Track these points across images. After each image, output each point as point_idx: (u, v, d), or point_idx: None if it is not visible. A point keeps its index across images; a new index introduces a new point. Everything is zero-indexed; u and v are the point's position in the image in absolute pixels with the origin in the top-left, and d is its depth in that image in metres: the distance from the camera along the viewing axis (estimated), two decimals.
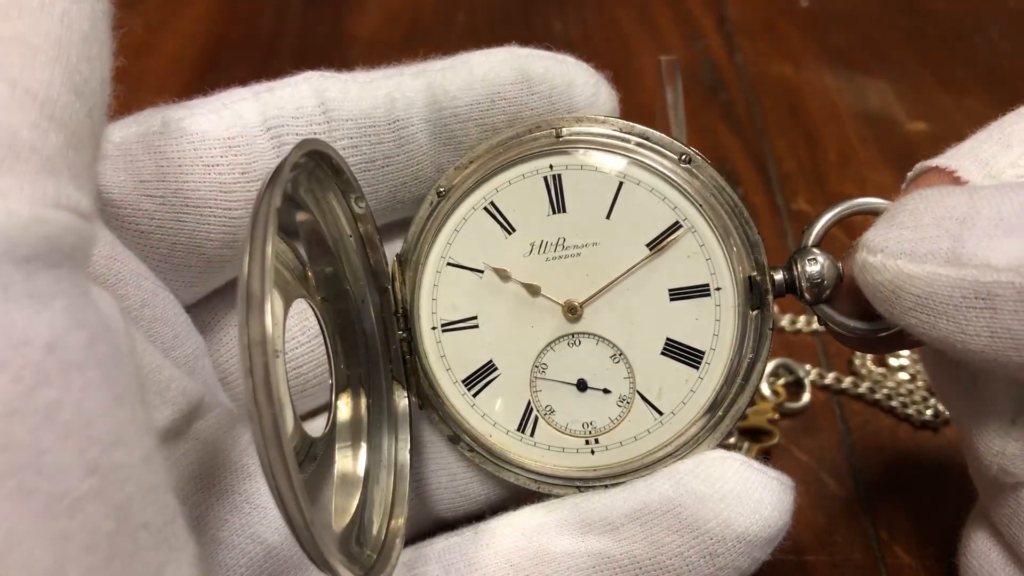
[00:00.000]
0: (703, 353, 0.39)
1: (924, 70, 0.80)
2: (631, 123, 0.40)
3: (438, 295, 0.40)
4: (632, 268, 0.39)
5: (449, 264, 0.40)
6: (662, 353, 0.39)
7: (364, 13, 0.90)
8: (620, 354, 0.40)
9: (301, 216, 0.38)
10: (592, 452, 0.40)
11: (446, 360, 0.41)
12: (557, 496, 0.40)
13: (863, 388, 0.57)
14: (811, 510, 0.51)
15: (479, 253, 0.40)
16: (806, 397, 0.57)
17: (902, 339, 0.35)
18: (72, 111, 0.26)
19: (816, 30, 0.86)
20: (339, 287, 0.41)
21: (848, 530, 0.50)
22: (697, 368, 0.39)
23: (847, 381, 0.57)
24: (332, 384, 0.40)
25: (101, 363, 0.24)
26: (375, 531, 0.38)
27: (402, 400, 0.42)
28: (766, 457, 0.53)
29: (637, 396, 0.40)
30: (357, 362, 0.41)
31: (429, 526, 0.44)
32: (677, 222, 0.39)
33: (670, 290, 0.39)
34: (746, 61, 0.83)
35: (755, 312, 0.38)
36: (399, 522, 0.39)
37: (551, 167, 0.39)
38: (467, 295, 0.40)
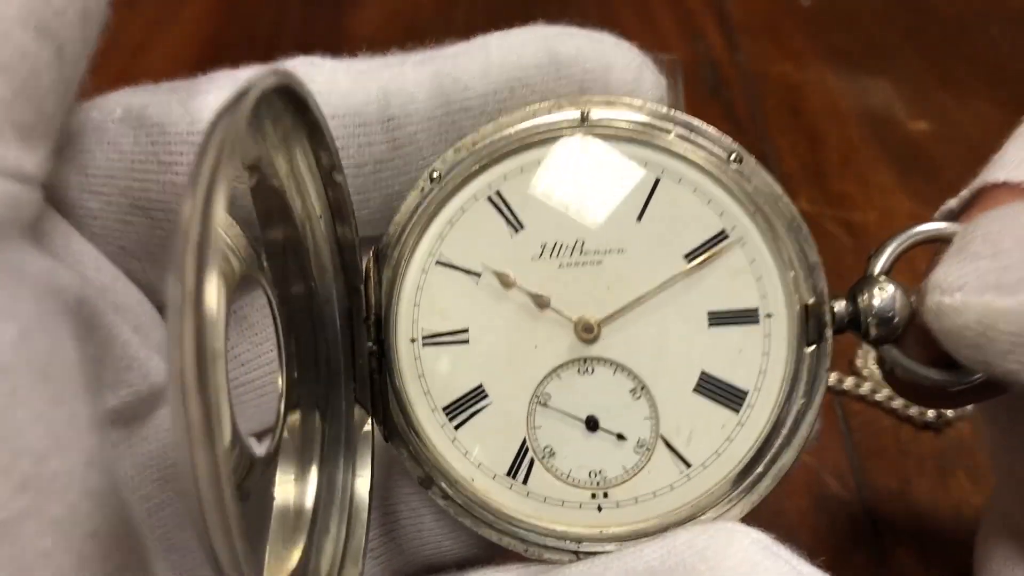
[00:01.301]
0: (746, 394, 0.32)
1: (926, 69, 0.80)
2: (671, 110, 0.33)
3: (422, 300, 0.33)
4: (665, 283, 0.32)
5: (439, 263, 0.33)
6: (695, 390, 0.33)
7: (363, 11, 0.90)
8: (642, 388, 0.33)
9: (258, 181, 0.31)
10: (599, 509, 0.33)
11: (424, 381, 0.33)
12: (548, 562, 0.33)
13: (865, 389, 0.57)
14: (812, 511, 0.51)
15: (477, 252, 0.33)
16: None
17: (985, 390, 0.31)
18: (28, 52, 0.22)
19: (818, 29, 0.85)
20: (300, 280, 0.34)
21: (850, 531, 0.50)
22: (737, 412, 0.32)
23: (849, 382, 0.57)
24: (281, 395, 0.33)
25: (33, 359, 0.21)
26: None
27: (364, 427, 0.34)
28: None
29: (660, 442, 0.33)
30: (314, 375, 0.34)
31: (414, 570, 0.39)
32: (723, 231, 0.32)
33: (710, 313, 0.32)
34: (747, 60, 0.82)
35: (811, 348, 0.32)
36: None
37: None
38: (458, 302, 0.33)
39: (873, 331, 0.32)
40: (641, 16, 0.88)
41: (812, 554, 0.49)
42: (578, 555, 0.33)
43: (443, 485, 0.34)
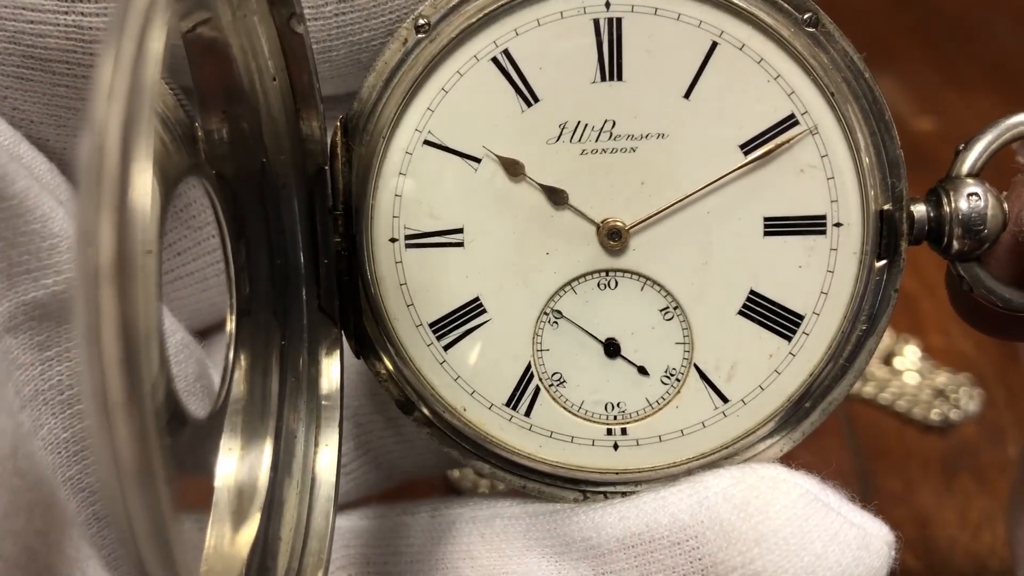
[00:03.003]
0: (801, 318, 0.27)
1: (930, 67, 0.80)
2: None
3: (405, 190, 0.27)
4: (715, 182, 0.26)
5: (428, 143, 0.27)
6: (740, 312, 0.27)
7: None
8: (676, 307, 0.27)
9: (194, 32, 0.24)
10: (615, 447, 0.28)
11: (407, 291, 0.28)
12: (549, 499, 0.29)
13: (869, 390, 0.56)
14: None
15: (477, 131, 0.27)
16: None
17: None
18: None
19: None
20: (250, 161, 0.27)
21: None
22: (789, 339, 0.27)
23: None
24: (231, 323, 0.27)
25: None
26: None
27: (329, 364, 0.28)
28: None
29: (694, 371, 0.28)
30: (268, 282, 0.28)
31: (392, 484, 0.36)
32: (792, 116, 0.26)
33: (766, 220, 0.27)
34: None
35: (882, 263, 0.27)
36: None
37: (607, 5, 0.26)
38: (451, 195, 0.27)
39: (956, 244, 0.26)
40: None
41: None
42: (584, 494, 0.29)
43: (426, 411, 0.29)
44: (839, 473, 0.52)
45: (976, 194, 0.26)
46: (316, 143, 0.27)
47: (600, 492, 0.29)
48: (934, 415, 0.54)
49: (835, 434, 0.54)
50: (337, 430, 0.28)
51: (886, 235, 0.27)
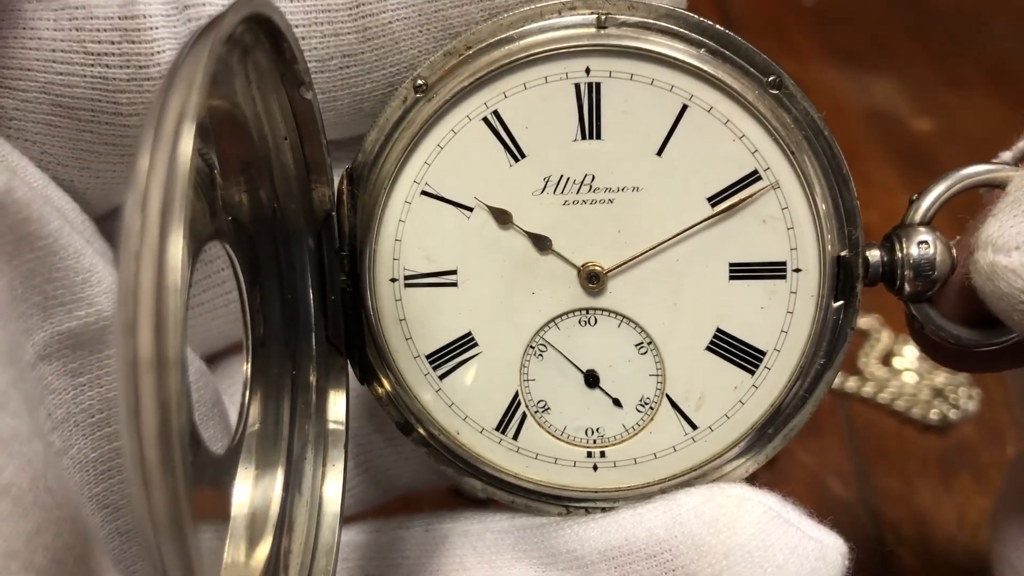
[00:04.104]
0: (764, 354, 0.29)
1: (930, 68, 0.80)
2: (705, 20, 0.29)
3: (404, 235, 0.30)
4: (685, 231, 0.29)
5: (425, 193, 0.29)
6: (708, 348, 0.30)
7: None
8: (649, 343, 0.30)
9: (216, 104, 0.26)
10: (595, 468, 0.31)
11: (407, 325, 0.30)
12: (535, 512, 0.31)
13: (868, 390, 0.56)
14: (815, 512, 0.50)
15: (470, 183, 0.29)
16: None
17: (1020, 355, 0.28)
18: None
19: (820, 28, 0.85)
20: (262, 208, 0.29)
21: (852, 533, 0.49)
22: (752, 373, 0.29)
23: (852, 383, 0.57)
24: (247, 363, 0.29)
25: None
26: None
27: (336, 391, 0.31)
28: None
29: (665, 401, 0.30)
30: (280, 317, 0.30)
31: (391, 499, 0.37)
32: (756, 171, 0.28)
33: (732, 265, 0.29)
34: None
35: (838, 304, 0.29)
36: None
37: (588, 71, 0.28)
38: (446, 240, 0.30)
39: (908, 287, 0.28)
40: None
41: None
42: (568, 508, 0.31)
43: (423, 432, 0.31)
44: (839, 472, 0.53)
45: (926, 241, 0.28)
46: (324, 193, 0.30)
47: (582, 507, 0.31)
48: (933, 415, 0.55)
49: (835, 434, 0.55)
50: (343, 452, 0.31)
51: (842, 278, 0.29)
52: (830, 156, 0.29)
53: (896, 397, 0.56)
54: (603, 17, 0.28)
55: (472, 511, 0.33)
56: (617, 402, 0.31)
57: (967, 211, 0.28)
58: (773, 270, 0.29)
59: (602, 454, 0.31)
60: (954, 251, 0.29)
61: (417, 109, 0.29)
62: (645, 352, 0.30)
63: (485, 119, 0.29)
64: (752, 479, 0.52)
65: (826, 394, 0.30)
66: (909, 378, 0.57)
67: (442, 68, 0.29)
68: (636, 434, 0.31)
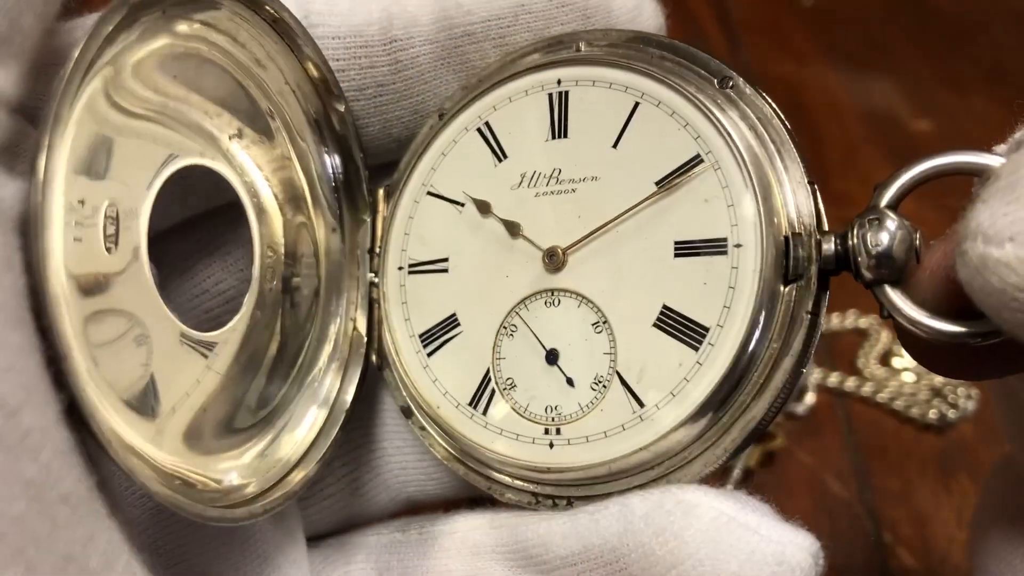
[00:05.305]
0: (707, 330, 0.29)
1: (928, 68, 0.80)
2: (666, 38, 0.32)
3: (411, 229, 0.34)
4: (632, 210, 0.31)
5: (429, 194, 0.34)
6: (655, 325, 0.30)
7: None
8: (605, 322, 0.31)
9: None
10: (551, 446, 0.31)
11: (406, 308, 0.34)
12: (509, 503, 0.33)
13: (867, 389, 0.56)
14: (814, 512, 0.50)
15: (463, 182, 0.33)
16: (809, 398, 0.56)
17: (1012, 356, 0.26)
18: None
19: (819, 28, 0.85)
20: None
21: (851, 532, 0.49)
22: (696, 349, 0.29)
23: (851, 382, 0.57)
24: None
25: (1, 306, 0.20)
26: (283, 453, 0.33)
27: (360, 350, 0.35)
28: (770, 458, 0.53)
29: (616, 379, 0.30)
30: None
31: (398, 507, 0.39)
32: (698, 155, 0.30)
33: (676, 243, 0.30)
34: (749, 59, 0.82)
35: (789, 287, 0.29)
36: (309, 467, 0.32)
37: (559, 82, 0.32)
38: (441, 231, 0.34)
39: (867, 273, 0.28)
40: None
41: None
42: (536, 498, 0.32)
43: (419, 415, 0.34)
44: (838, 472, 0.53)
45: (884, 225, 0.28)
46: (363, 208, 0.36)
47: (546, 495, 0.32)
48: (932, 414, 0.55)
49: (833, 433, 0.55)
50: (357, 379, 0.35)
51: (793, 259, 0.29)
52: (780, 141, 0.30)
53: (895, 397, 0.56)
54: (579, 44, 0.33)
55: (462, 512, 0.34)
56: (570, 381, 0.31)
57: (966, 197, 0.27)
58: (715, 246, 0.29)
59: (558, 431, 0.31)
60: (918, 235, 0.28)
61: (436, 130, 0.34)
62: (600, 331, 0.31)
63: (479, 129, 0.33)
64: (746, 479, 0.52)
65: (795, 388, 0.29)
66: (908, 378, 0.57)
67: (460, 100, 0.34)
68: (590, 412, 0.31)
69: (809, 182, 0.30)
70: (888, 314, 0.28)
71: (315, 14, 0.33)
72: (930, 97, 0.77)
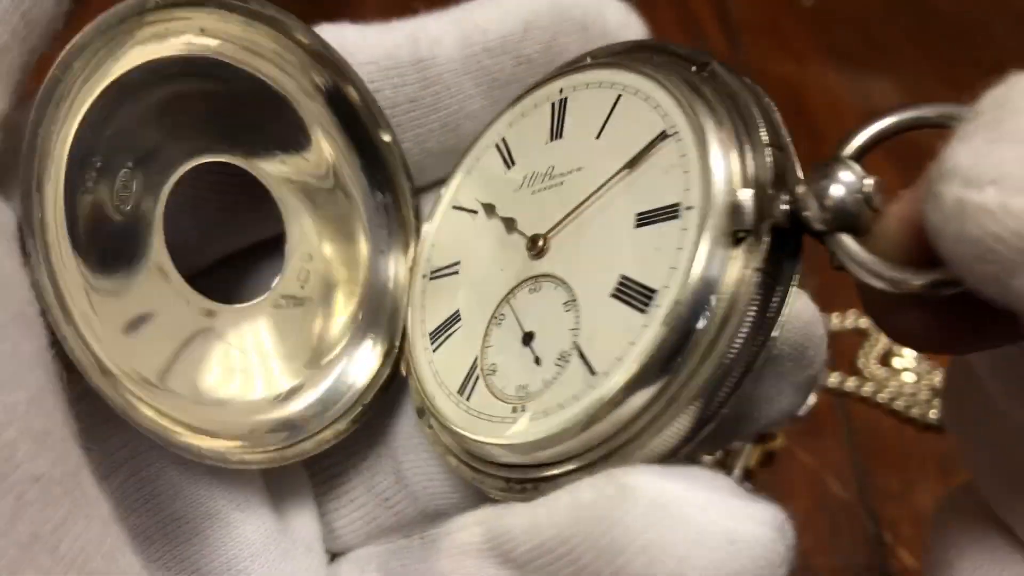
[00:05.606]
0: (654, 292, 0.28)
1: (929, 69, 0.80)
2: (656, 40, 0.34)
3: (436, 240, 0.37)
4: (600, 189, 0.31)
5: (454, 207, 0.36)
6: (612, 295, 0.30)
7: (362, 8, 0.90)
8: (574, 300, 0.31)
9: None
10: (515, 423, 0.31)
11: (424, 311, 0.36)
12: (491, 493, 0.32)
13: (867, 389, 0.56)
14: (814, 512, 0.50)
15: (478, 192, 0.36)
16: (810, 398, 0.56)
17: (990, 329, 0.24)
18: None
19: (819, 28, 0.85)
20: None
21: (852, 533, 0.49)
22: (644, 312, 0.28)
23: (851, 382, 0.57)
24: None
25: None
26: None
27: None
28: (770, 458, 0.53)
29: (576, 352, 0.30)
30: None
31: (427, 520, 0.39)
32: (663, 131, 0.30)
33: (637, 215, 0.30)
34: (749, 60, 0.82)
35: (739, 246, 0.28)
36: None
37: (560, 91, 0.34)
38: (457, 238, 0.36)
39: (816, 223, 0.26)
40: (642, 14, 0.88)
41: (813, 555, 0.49)
42: (509, 483, 0.31)
43: (427, 413, 0.34)
44: (838, 472, 0.53)
45: (838, 175, 0.26)
46: (410, 230, 0.38)
47: (518, 485, 0.31)
48: (932, 414, 0.55)
49: (833, 433, 0.55)
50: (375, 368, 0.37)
51: (738, 215, 0.28)
52: (747, 115, 0.29)
53: (895, 397, 0.56)
54: (587, 58, 0.35)
55: (460, 514, 0.34)
56: (537, 360, 0.31)
57: None
58: (669, 212, 0.29)
59: (523, 408, 0.31)
60: (873, 182, 0.26)
61: (465, 152, 0.37)
62: (569, 309, 0.31)
63: (496, 145, 0.36)
64: (746, 479, 0.52)
65: (755, 359, 0.27)
66: (908, 378, 0.57)
67: (488, 123, 0.37)
68: (550, 387, 0.30)
69: (776, 146, 0.29)
70: (839, 264, 0.26)
71: (350, 45, 0.36)
72: (930, 97, 0.76)
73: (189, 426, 0.31)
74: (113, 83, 0.30)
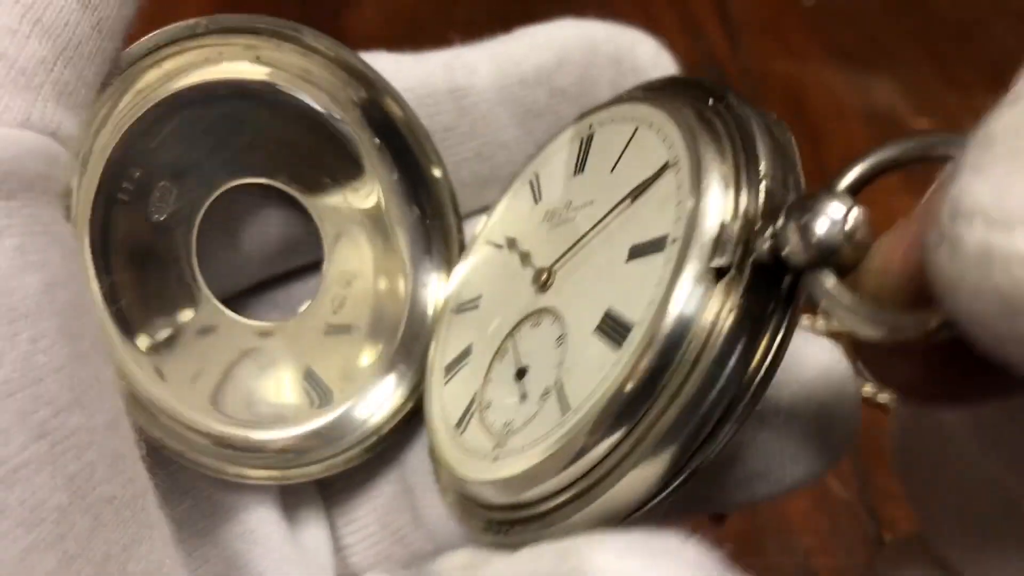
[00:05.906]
0: (632, 327, 0.26)
1: (930, 68, 0.80)
2: (687, 76, 0.34)
3: (465, 275, 0.37)
4: (601, 222, 0.30)
5: (485, 243, 0.36)
6: (596, 330, 0.28)
7: (362, 10, 0.90)
8: (565, 335, 0.30)
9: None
10: (495, 459, 0.29)
11: (445, 344, 0.35)
12: (474, 532, 0.31)
13: (868, 389, 0.56)
14: (815, 513, 0.50)
15: (507, 227, 0.36)
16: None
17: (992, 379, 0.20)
18: (70, 19, 0.23)
19: (820, 28, 0.85)
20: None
21: (852, 533, 0.49)
22: (620, 346, 0.27)
23: None
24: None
25: (60, 313, 0.22)
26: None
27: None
28: None
29: (556, 388, 0.29)
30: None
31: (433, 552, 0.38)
32: (667, 163, 0.29)
33: (631, 248, 0.29)
34: (749, 59, 0.82)
35: (721, 281, 0.25)
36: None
37: (590, 127, 0.34)
38: (483, 272, 0.36)
39: (792, 259, 0.24)
40: (642, 15, 0.88)
41: (813, 555, 0.49)
42: (490, 524, 0.30)
43: (432, 449, 0.34)
44: (838, 473, 0.53)
45: (821, 208, 0.24)
46: (454, 264, 0.38)
47: (496, 524, 0.30)
48: None
49: None
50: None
51: (720, 249, 0.26)
52: (751, 151, 0.27)
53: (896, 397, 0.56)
54: (625, 93, 0.34)
55: (446, 553, 0.33)
56: (524, 396, 0.30)
57: None
58: (657, 245, 0.27)
59: (503, 445, 0.29)
60: (859, 214, 0.24)
61: (505, 188, 0.37)
62: (560, 344, 0.29)
63: (530, 182, 0.36)
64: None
65: (738, 407, 0.25)
66: None
67: (525, 163, 0.37)
68: (529, 423, 0.29)
69: (779, 180, 0.27)
70: (822, 306, 0.24)
71: (386, 73, 0.36)
72: (931, 97, 0.77)
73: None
74: (163, 100, 0.31)
